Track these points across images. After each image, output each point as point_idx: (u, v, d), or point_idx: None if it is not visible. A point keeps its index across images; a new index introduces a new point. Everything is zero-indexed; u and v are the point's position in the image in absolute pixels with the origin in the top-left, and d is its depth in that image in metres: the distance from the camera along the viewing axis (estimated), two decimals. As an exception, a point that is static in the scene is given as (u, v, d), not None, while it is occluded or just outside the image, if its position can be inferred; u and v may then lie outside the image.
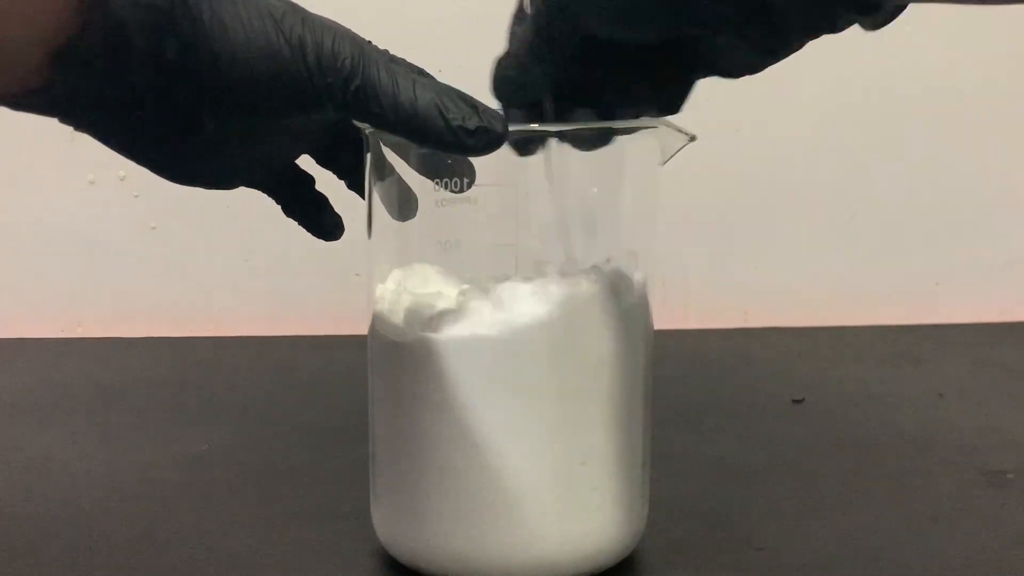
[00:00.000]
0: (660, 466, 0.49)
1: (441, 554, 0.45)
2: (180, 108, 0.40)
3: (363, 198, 0.47)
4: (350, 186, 0.49)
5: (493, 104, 0.42)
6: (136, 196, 0.89)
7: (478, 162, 0.44)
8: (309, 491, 0.56)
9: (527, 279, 0.45)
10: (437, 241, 0.47)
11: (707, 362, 0.83)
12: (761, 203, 0.94)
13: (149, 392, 0.75)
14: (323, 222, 0.50)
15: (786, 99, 0.92)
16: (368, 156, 0.46)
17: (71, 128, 0.41)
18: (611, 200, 0.47)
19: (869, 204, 0.95)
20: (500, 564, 0.44)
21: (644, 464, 0.47)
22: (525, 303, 0.43)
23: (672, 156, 0.45)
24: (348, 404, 0.61)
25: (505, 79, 0.42)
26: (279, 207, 0.50)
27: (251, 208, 0.50)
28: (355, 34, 0.41)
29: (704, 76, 0.42)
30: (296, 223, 0.50)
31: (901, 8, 0.37)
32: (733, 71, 0.41)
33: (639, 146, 0.45)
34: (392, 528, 0.47)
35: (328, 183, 0.50)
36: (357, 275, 0.77)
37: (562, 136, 0.43)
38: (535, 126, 0.43)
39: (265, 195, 0.49)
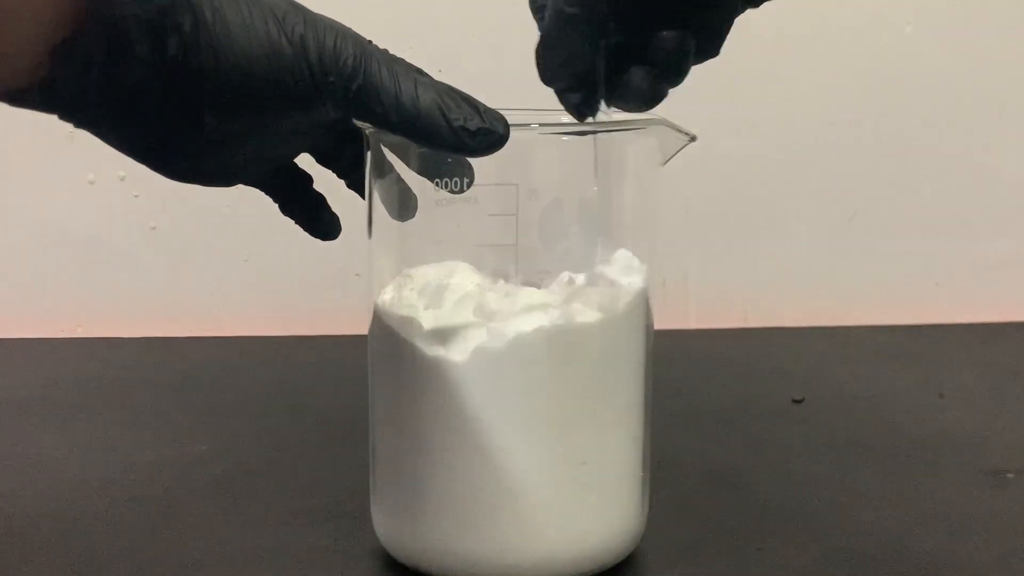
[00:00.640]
0: (660, 466, 0.50)
1: (441, 554, 0.45)
2: (181, 106, 0.40)
3: (363, 197, 0.47)
4: (350, 185, 0.49)
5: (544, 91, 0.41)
6: (136, 196, 0.89)
7: (478, 162, 0.43)
8: (309, 491, 0.56)
9: (527, 283, 0.45)
10: (437, 241, 0.47)
11: (707, 362, 0.83)
12: (761, 203, 0.94)
13: (149, 392, 0.75)
14: (320, 221, 0.50)
15: (786, 99, 0.92)
16: (368, 156, 0.46)
17: (71, 126, 0.41)
18: (611, 200, 0.47)
19: (869, 204, 0.95)
20: (500, 564, 0.44)
21: (644, 464, 0.47)
22: (525, 309, 0.43)
23: (672, 156, 0.45)
24: (348, 404, 0.60)
25: (547, 60, 0.40)
26: (277, 206, 0.50)
27: (251, 208, 0.50)
28: (357, 33, 0.41)
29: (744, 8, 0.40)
30: (294, 222, 0.50)
31: None
32: None
33: (639, 146, 0.45)
34: (392, 528, 0.47)
35: (326, 182, 0.50)
36: (357, 275, 0.77)
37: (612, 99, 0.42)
38: (536, 125, 0.43)
39: (264, 194, 0.49)
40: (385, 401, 0.46)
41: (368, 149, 0.45)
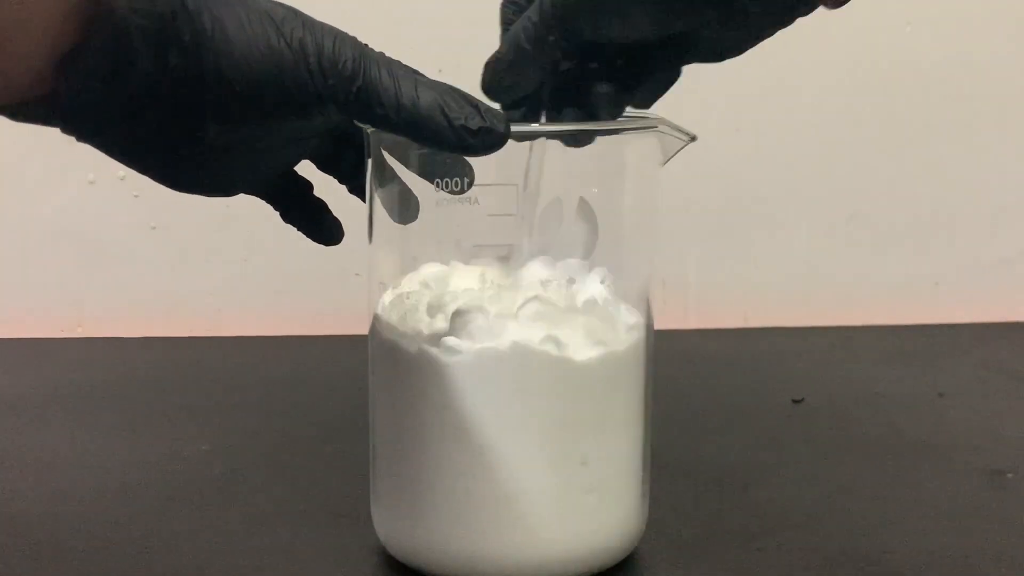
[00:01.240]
0: (660, 466, 0.50)
1: (441, 554, 0.45)
2: (183, 115, 0.40)
3: (364, 202, 0.47)
4: (351, 191, 0.49)
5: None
6: (136, 196, 0.89)
7: (478, 162, 0.44)
8: (309, 491, 0.56)
9: (527, 283, 0.45)
10: (437, 241, 0.47)
11: (707, 362, 0.83)
12: (761, 203, 0.94)
13: (149, 392, 0.75)
14: (322, 227, 0.50)
15: (786, 99, 0.92)
16: (370, 159, 0.46)
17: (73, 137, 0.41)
18: (611, 200, 0.47)
19: (869, 204, 0.95)
20: (500, 564, 0.44)
21: (644, 464, 0.47)
22: (525, 311, 0.43)
23: (672, 156, 0.45)
24: (348, 404, 0.61)
25: (495, 79, 0.42)
26: (279, 214, 0.50)
27: (251, 208, 0.50)
28: (354, 37, 0.41)
29: (692, 62, 0.43)
30: (296, 229, 0.50)
31: None
32: (719, 56, 0.42)
33: (639, 146, 0.45)
34: (392, 528, 0.47)
35: (325, 186, 0.50)
36: (357, 275, 0.77)
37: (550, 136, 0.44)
38: (537, 125, 0.43)
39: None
40: (385, 401, 0.46)
41: (369, 153, 0.45)
